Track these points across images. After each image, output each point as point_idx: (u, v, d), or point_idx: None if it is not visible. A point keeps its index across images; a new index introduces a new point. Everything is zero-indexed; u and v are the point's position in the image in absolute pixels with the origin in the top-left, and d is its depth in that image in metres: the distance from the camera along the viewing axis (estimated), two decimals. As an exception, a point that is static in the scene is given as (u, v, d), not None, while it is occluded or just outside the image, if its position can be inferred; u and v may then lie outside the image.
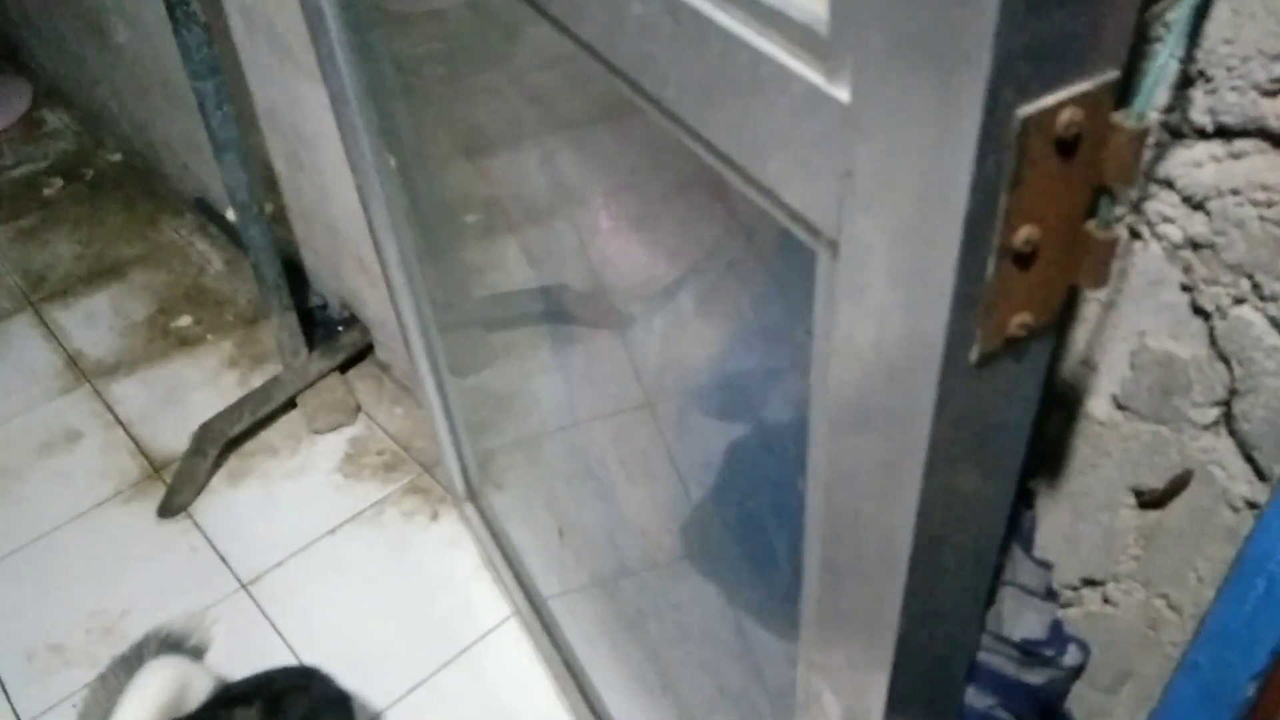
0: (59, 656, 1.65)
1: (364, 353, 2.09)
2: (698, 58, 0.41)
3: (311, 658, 1.59)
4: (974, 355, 0.36)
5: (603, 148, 1.22)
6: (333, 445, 1.97)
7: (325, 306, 2.13)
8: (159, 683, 1.29)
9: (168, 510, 1.85)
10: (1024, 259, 0.33)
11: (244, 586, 1.74)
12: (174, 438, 1.98)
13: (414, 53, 1.52)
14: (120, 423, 2.04)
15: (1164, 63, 0.32)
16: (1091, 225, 0.34)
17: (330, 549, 1.79)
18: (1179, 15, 0.32)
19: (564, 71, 1.12)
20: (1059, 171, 0.32)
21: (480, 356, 1.78)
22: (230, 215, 1.88)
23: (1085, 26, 0.29)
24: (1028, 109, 0.30)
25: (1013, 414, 0.40)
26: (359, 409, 2.03)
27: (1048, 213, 0.33)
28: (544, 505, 1.70)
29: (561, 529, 1.62)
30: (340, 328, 2.08)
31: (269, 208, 1.98)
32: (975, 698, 0.60)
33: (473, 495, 1.79)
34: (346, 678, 1.48)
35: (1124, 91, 0.33)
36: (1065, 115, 0.30)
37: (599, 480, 1.55)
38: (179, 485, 1.87)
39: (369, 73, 1.33)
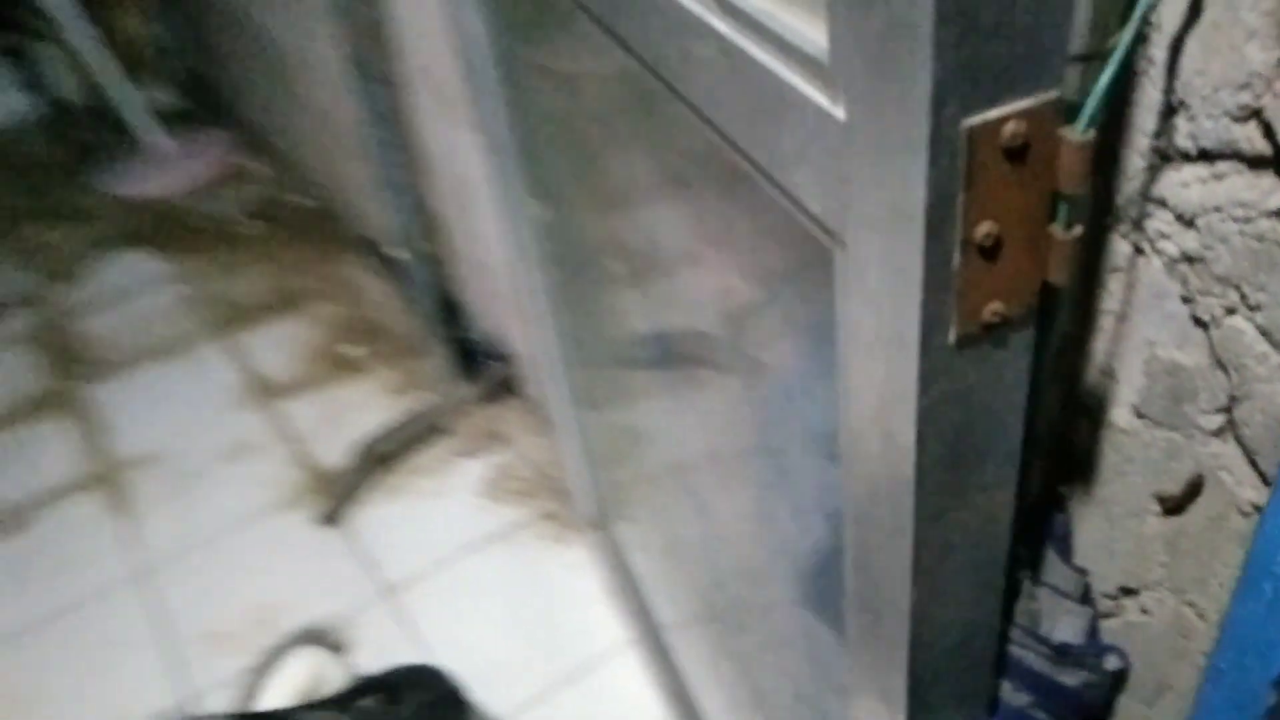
0: (223, 643, 1.82)
1: (512, 385, 2.23)
2: (744, 89, 0.49)
3: (441, 663, 1.70)
4: (951, 337, 0.41)
5: (738, 207, 1.30)
6: (477, 469, 2.11)
7: (479, 340, 2.28)
8: (298, 670, 1.42)
9: (325, 519, 2.02)
10: (988, 252, 0.39)
11: (387, 593, 1.87)
12: (336, 454, 2.16)
13: (566, 108, 1.65)
14: (290, 438, 2.25)
15: (1104, 86, 0.38)
16: (1054, 227, 0.40)
17: (468, 565, 1.91)
18: (1117, 46, 0.38)
19: (700, 135, 1.21)
20: (1012, 176, 0.38)
21: (615, 394, 1.87)
22: (398, 254, 2.06)
23: (1020, 53, 0.35)
24: (972, 120, 0.36)
25: (1002, 399, 0.45)
26: (504, 437, 2.16)
27: (1006, 212, 0.39)
28: (666, 538, 1.76)
29: (680, 558, 1.69)
30: (491, 361, 2.22)
31: (432, 248, 2.16)
32: (1012, 695, 0.63)
33: (601, 524, 1.88)
34: (471, 685, 1.58)
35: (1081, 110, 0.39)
36: (1010, 127, 0.36)
37: (720, 519, 1.61)
38: (337, 496, 2.04)
39: (522, 125, 1.46)
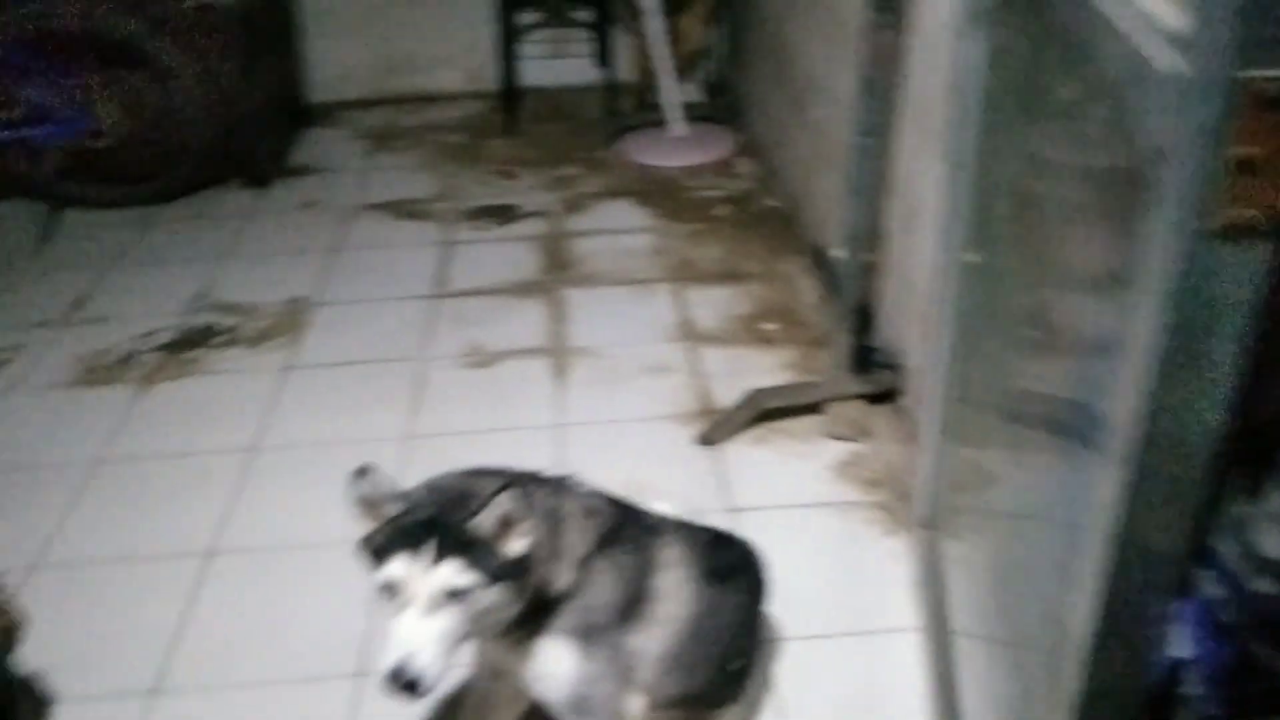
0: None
1: (894, 394, 2.47)
2: (1141, 77, 0.74)
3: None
4: (1211, 224, 0.63)
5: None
6: (837, 451, 2.38)
7: (879, 347, 2.54)
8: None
9: (704, 440, 2.40)
10: (1246, 167, 0.61)
11: (731, 511, 2.20)
12: (727, 398, 2.53)
13: (1029, 169, 1.81)
14: (698, 374, 2.66)
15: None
16: (1300, 167, 0.60)
17: (802, 517, 2.19)
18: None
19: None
20: (1268, 119, 0.59)
21: (985, 435, 2.03)
22: (838, 255, 2.39)
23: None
24: (1243, 74, 0.58)
25: (1240, 290, 0.65)
26: (868, 433, 2.41)
27: (1263, 143, 0.60)
28: (980, 561, 1.91)
29: (986, 581, 1.83)
30: (882, 368, 2.48)
31: (870, 257, 2.45)
32: (1207, 585, 0.80)
33: (928, 527, 2.06)
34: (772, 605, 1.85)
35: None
36: (1265, 85, 0.58)
37: (1026, 569, 1.71)
38: (718, 426, 2.41)
39: (986, 167, 1.70)
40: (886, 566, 2.07)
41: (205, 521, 2.24)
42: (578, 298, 3.05)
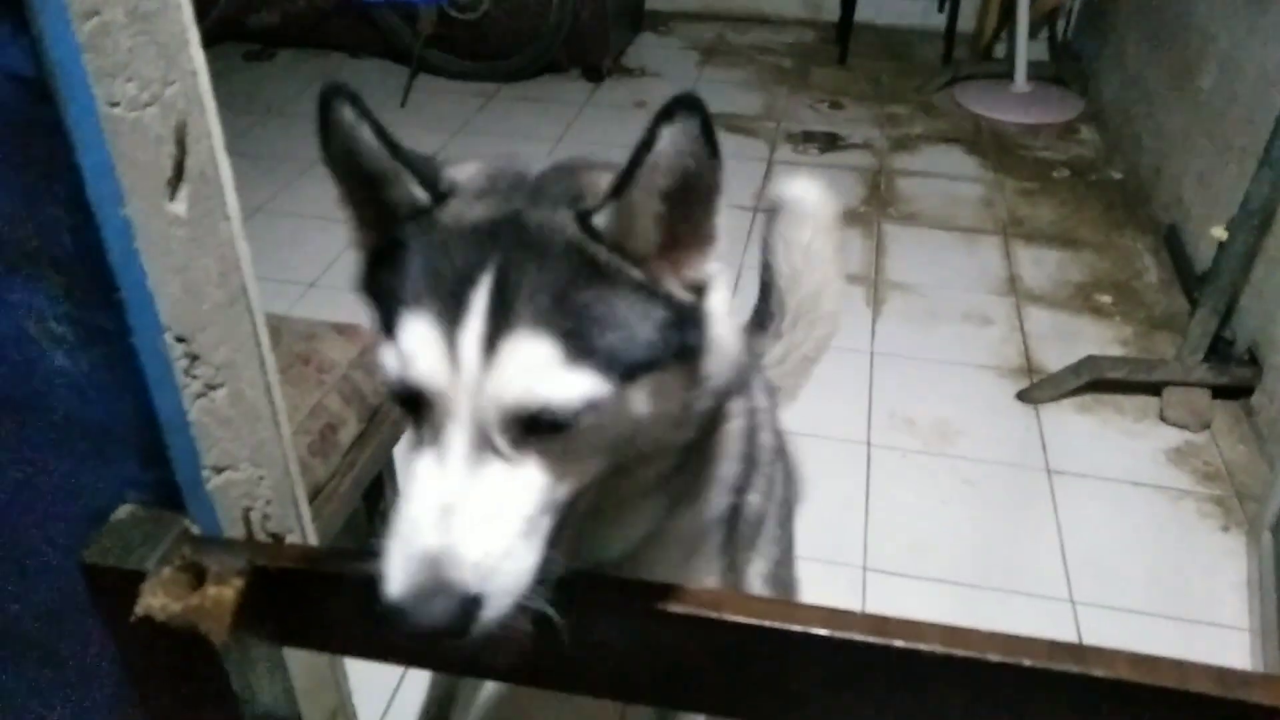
0: (905, 427, 2.22)
1: (1242, 391, 2.28)
2: None
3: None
4: None
5: None
6: (1170, 436, 2.23)
7: (1233, 342, 2.35)
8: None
9: (1026, 397, 2.32)
10: None
11: (1047, 472, 2.12)
12: (1050, 360, 2.42)
13: None
14: (1022, 331, 2.56)
15: None
16: None
17: (1125, 494, 2.08)
18: None
19: None
20: None
21: None
22: (1216, 235, 2.21)
23: None
24: None
25: None
26: (1207, 425, 2.24)
27: None
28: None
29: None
30: (1236, 364, 2.29)
31: (1256, 244, 2.25)
32: None
33: (1274, 531, 1.91)
34: (1081, 571, 1.78)
35: None
36: None
37: None
38: (1044, 385, 2.32)
39: None
40: (1218, 561, 1.93)
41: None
42: (898, 234, 2.99)
